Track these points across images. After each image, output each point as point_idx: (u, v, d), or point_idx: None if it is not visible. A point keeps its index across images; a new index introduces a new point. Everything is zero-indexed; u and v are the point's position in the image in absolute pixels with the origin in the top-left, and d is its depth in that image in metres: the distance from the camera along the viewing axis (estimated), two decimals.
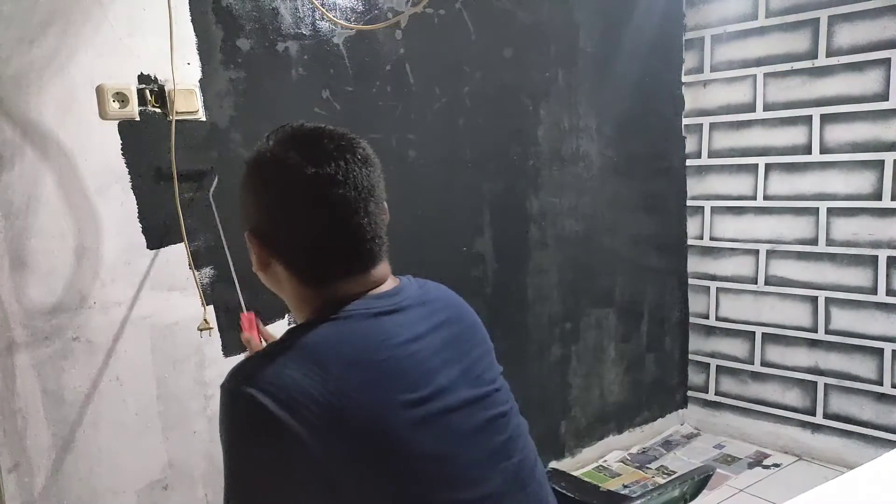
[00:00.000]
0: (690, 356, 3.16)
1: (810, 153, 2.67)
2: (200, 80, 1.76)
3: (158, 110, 1.69)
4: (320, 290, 0.91)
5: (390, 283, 0.95)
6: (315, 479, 0.79)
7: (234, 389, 0.82)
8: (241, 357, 1.87)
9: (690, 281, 3.10)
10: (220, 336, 1.83)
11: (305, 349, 0.84)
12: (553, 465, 2.68)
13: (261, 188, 0.91)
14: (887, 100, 2.47)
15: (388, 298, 0.91)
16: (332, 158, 0.87)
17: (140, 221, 1.69)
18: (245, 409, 0.80)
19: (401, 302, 0.92)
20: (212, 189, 1.74)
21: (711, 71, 2.91)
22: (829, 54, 2.58)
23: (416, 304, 0.94)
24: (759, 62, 2.76)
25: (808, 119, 2.66)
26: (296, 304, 0.94)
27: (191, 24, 1.72)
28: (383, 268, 0.94)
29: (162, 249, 1.73)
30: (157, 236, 1.72)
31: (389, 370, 0.85)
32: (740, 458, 2.84)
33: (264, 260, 0.93)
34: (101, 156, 1.63)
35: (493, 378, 0.98)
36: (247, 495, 0.82)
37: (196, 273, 1.75)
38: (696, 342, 3.14)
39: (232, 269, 1.69)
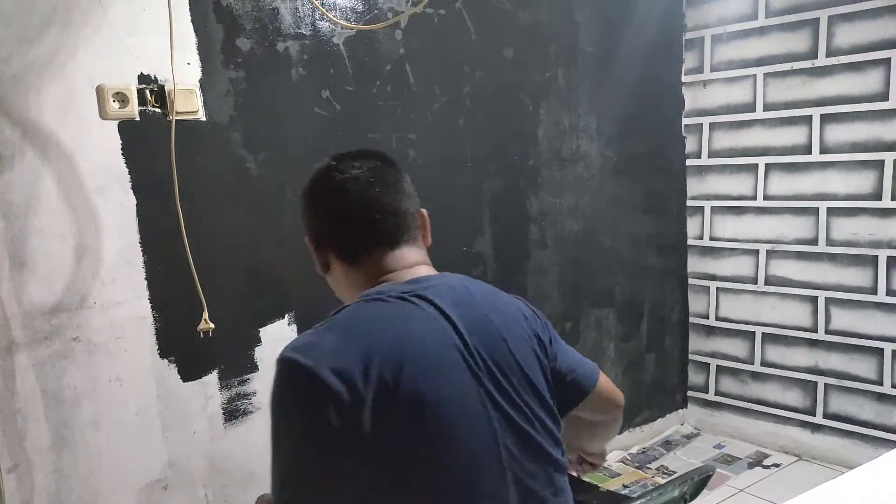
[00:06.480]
0: (690, 356, 3.16)
1: (810, 153, 2.67)
2: (200, 80, 1.76)
3: (158, 110, 1.69)
4: (358, 268, 1.04)
5: (424, 271, 1.05)
6: (355, 436, 0.85)
7: (281, 358, 0.91)
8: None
9: (690, 281, 3.10)
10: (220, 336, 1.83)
11: (339, 323, 0.94)
12: None
13: (307, 195, 1.09)
14: (887, 100, 2.47)
15: (413, 284, 1.00)
16: (355, 158, 1.06)
17: (140, 221, 1.69)
18: (289, 372, 0.89)
19: (424, 290, 0.98)
20: None
21: (711, 71, 2.91)
22: (829, 54, 2.58)
23: (443, 291, 0.99)
24: (759, 62, 2.76)
25: (808, 119, 2.66)
26: (348, 293, 1.06)
27: (191, 23, 1.72)
28: (410, 253, 1.06)
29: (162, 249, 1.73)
30: (157, 236, 1.72)
31: (413, 340, 0.92)
32: (740, 458, 2.84)
33: (323, 259, 1.08)
34: (101, 156, 1.63)
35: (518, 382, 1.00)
36: (294, 456, 0.89)
37: (196, 273, 1.74)
38: (696, 342, 3.14)
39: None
